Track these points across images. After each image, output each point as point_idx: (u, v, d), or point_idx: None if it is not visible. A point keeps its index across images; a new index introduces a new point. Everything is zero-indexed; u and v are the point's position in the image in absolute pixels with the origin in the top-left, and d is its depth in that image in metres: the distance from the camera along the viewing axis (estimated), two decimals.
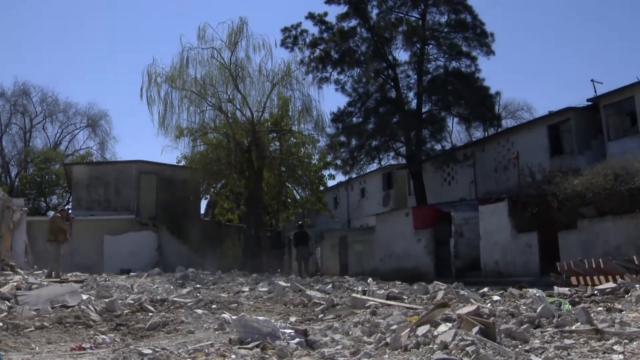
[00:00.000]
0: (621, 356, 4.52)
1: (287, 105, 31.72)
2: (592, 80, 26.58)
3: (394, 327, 6.51)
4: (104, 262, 29.44)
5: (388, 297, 10.67)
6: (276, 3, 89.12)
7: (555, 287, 10.41)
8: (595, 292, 8.96)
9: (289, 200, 36.13)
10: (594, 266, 11.89)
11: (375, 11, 31.08)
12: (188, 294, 12.86)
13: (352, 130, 30.70)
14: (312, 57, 30.73)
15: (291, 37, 31.06)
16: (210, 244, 32.00)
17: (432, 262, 23.33)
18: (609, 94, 22.80)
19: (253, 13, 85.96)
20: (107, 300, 10.44)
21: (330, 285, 14.14)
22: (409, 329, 5.85)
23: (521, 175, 23.35)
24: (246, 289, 14.32)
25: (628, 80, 35.82)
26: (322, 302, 10.29)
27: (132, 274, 21.94)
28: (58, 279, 15.64)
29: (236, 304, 10.94)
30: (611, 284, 9.39)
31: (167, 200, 33.54)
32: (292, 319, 8.91)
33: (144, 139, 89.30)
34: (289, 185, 35.72)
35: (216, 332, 7.69)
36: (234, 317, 7.23)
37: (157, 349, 5.91)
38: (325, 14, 30.84)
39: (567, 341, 5.13)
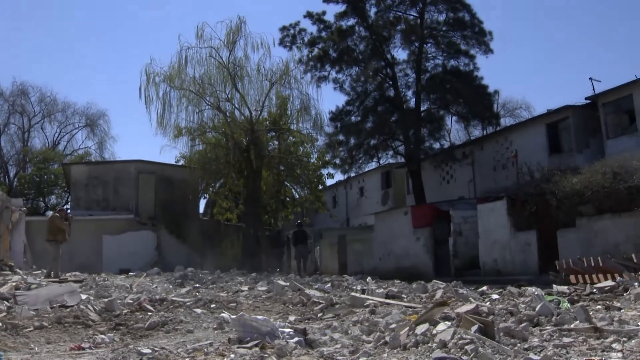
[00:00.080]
0: (620, 354, 4.53)
1: (286, 104, 31.71)
2: (590, 79, 26.68)
3: (393, 325, 6.51)
4: (102, 262, 29.43)
5: (387, 296, 10.68)
6: (274, 2, 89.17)
7: (554, 286, 10.41)
8: (594, 290, 8.97)
9: (288, 199, 36.13)
10: (592, 264, 11.90)
11: (373, 10, 31.10)
12: (187, 294, 12.87)
13: (350, 129, 30.70)
14: (310, 56, 30.74)
15: (289, 36, 31.06)
16: (209, 244, 32.01)
17: (431, 261, 23.32)
18: (607, 92, 22.81)
19: (251, 12, 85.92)
20: (106, 300, 10.45)
21: (329, 284, 14.15)
22: (408, 327, 5.85)
23: (520, 173, 23.36)
24: (245, 288, 14.33)
25: (626, 78, 35.82)
26: (321, 301, 10.30)
27: (131, 273, 21.95)
28: (57, 279, 15.63)
29: (235, 303, 10.94)
30: (610, 282, 9.41)
31: (166, 200, 33.53)
32: (291, 318, 8.92)
33: (142, 138, 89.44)
34: (288, 184, 35.71)
35: (215, 332, 7.69)
36: (233, 317, 7.23)
37: (156, 349, 5.91)
38: (324, 12, 30.86)
39: (565, 339, 5.13)
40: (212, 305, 10.53)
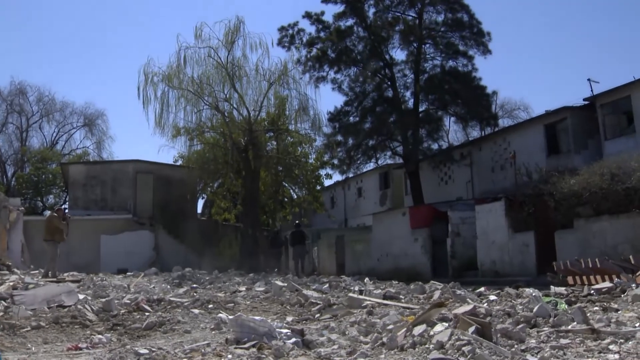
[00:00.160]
0: (617, 356, 4.53)
1: (284, 104, 31.66)
2: (588, 80, 26.58)
3: (391, 326, 6.51)
4: (100, 262, 29.41)
5: (385, 297, 10.67)
6: (273, 2, 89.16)
7: (551, 287, 10.41)
8: (592, 291, 8.98)
9: (286, 199, 36.11)
10: (590, 266, 11.91)
11: (372, 10, 31.16)
12: (185, 294, 12.86)
13: (349, 130, 30.73)
14: (309, 56, 30.77)
15: (288, 37, 31.07)
16: (207, 244, 31.98)
17: (428, 262, 23.33)
18: (605, 93, 22.84)
19: (250, 12, 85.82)
20: (103, 300, 10.43)
21: (327, 285, 14.14)
22: (405, 328, 5.85)
23: (518, 174, 23.39)
24: (243, 288, 14.31)
25: (624, 79, 35.87)
26: (318, 302, 10.29)
27: (128, 273, 21.92)
28: (54, 279, 15.60)
29: (233, 304, 10.94)
30: (607, 284, 9.41)
31: (164, 200, 33.51)
32: (289, 318, 8.91)
33: (140, 138, 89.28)
34: (286, 185, 35.70)
35: (213, 332, 7.69)
36: (230, 317, 7.22)
37: (153, 349, 5.91)
38: (322, 13, 30.90)
39: (563, 341, 5.14)
40: (210, 306, 10.52)
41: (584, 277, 11.77)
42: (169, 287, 15.17)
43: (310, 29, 31.08)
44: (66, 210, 23.36)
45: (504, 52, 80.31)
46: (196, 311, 9.82)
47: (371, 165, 34.50)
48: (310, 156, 34.27)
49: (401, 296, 10.97)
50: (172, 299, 11.28)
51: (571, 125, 24.03)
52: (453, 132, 44.09)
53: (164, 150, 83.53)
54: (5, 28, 78.54)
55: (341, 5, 30.53)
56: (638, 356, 4.48)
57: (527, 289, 9.64)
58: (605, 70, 79.69)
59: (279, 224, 37.78)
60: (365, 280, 15.90)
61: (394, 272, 22.85)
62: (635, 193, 15.33)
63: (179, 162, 35.64)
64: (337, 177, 35.62)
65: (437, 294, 10.23)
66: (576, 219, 16.87)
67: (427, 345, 5.14)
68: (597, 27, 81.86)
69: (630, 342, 4.90)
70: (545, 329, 5.79)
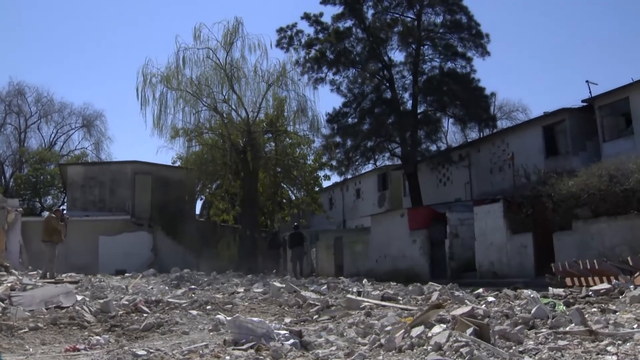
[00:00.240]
0: (614, 357, 4.53)
1: (283, 105, 31.67)
2: (587, 81, 26.66)
3: (389, 328, 6.51)
4: (98, 263, 29.39)
5: (383, 298, 10.67)
6: (272, 3, 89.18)
7: (550, 288, 10.42)
8: (590, 293, 8.97)
9: (285, 200, 36.10)
10: (588, 267, 11.91)
11: (370, 12, 31.19)
12: (183, 295, 12.85)
13: (347, 131, 30.74)
14: (307, 57, 30.76)
15: (286, 38, 31.07)
16: (205, 245, 32.00)
17: (427, 263, 23.33)
18: (603, 95, 22.86)
19: (249, 13, 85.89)
20: (101, 301, 10.42)
21: (325, 286, 14.13)
22: (403, 330, 5.84)
23: (516, 176, 23.39)
24: (241, 290, 14.31)
25: (623, 81, 35.95)
26: (316, 303, 10.29)
27: (127, 274, 21.90)
28: (53, 280, 15.59)
29: (231, 305, 10.93)
30: (605, 285, 9.40)
31: (162, 201, 33.49)
32: (287, 320, 8.91)
33: (139, 139, 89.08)
34: (285, 186, 35.70)
35: (211, 333, 7.68)
36: (228, 318, 7.22)
37: (151, 350, 5.90)
38: (321, 14, 30.90)
39: (561, 342, 5.13)
40: (208, 307, 10.51)
41: (582, 279, 11.77)
42: (167, 288, 15.16)
43: (309, 30, 31.15)
44: (64, 211, 23.36)
45: (503, 54, 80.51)
46: (194, 312, 9.81)
47: (369, 167, 34.56)
48: (308, 157, 34.34)
49: (399, 297, 10.98)
50: (170, 300, 11.28)
51: (569, 127, 24.05)
52: (451, 133, 44.21)
53: (162, 152, 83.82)
54: (4, 28, 78.60)
55: (340, 6, 30.58)
56: (636, 357, 4.48)
57: (525, 291, 9.64)
58: (603, 72, 79.91)
59: (277, 225, 37.78)
60: (363, 282, 15.91)
61: (392, 273, 22.85)
62: (634, 195, 15.35)
63: (178, 163, 35.61)
64: (336, 178, 35.75)
65: (435, 296, 10.23)
66: (574, 220, 16.88)
67: (425, 347, 5.14)
68: (595, 29, 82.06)
69: (628, 344, 4.90)
70: (543, 330, 5.79)
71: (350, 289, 13.24)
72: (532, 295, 8.12)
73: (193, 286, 15.35)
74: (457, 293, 10.21)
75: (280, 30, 31.10)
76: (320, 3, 30.67)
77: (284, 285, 13.68)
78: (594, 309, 7.24)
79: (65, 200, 42.54)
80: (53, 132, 54.31)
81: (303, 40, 31.00)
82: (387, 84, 30.75)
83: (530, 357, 4.74)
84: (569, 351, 4.84)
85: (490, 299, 9.31)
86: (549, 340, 5.30)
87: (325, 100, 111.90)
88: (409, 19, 30.70)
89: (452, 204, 24.83)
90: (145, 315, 9.48)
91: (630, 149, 19.87)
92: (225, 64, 29.30)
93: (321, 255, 31.22)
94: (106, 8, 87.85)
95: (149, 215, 33.54)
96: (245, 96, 29.96)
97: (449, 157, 30.15)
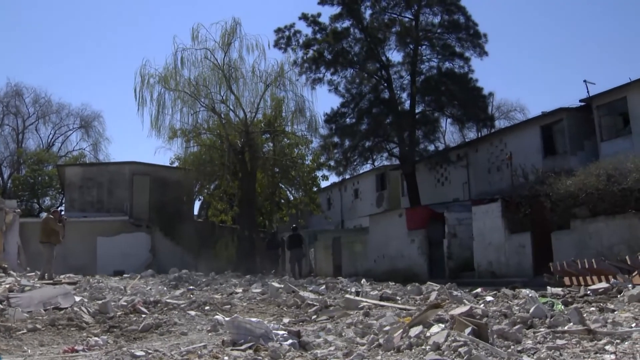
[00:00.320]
0: (613, 356, 4.53)
1: (281, 106, 31.70)
2: (584, 81, 26.70)
3: (387, 328, 6.51)
4: (97, 264, 29.35)
5: (381, 298, 10.66)
6: (269, 4, 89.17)
7: (548, 288, 10.41)
8: (588, 292, 8.97)
9: (283, 201, 36.11)
10: (586, 266, 11.91)
11: (368, 12, 31.21)
12: (181, 296, 12.84)
13: (345, 131, 30.75)
14: (305, 57, 30.78)
15: (284, 38, 31.09)
16: (203, 245, 31.97)
17: (425, 263, 23.34)
18: (601, 94, 22.88)
19: (246, 14, 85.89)
20: (100, 302, 10.41)
21: (323, 287, 14.13)
22: (401, 330, 5.84)
23: (514, 175, 23.41)
24: (239, 290, 14.31)
25: (621, 80, 35.98)
26: (315, 303, 10.29)
27: (125, 275, 21.90)
28: (51, 281, 15.58)
29: (229, 306, 10.92)
30: (604, 284, 9.40)
31: (160, 202, 33.49)
32: (286, 320, 8.90)
33: (137, 140, 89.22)
34: (283, 186, 35.71)
35: (209, 334, 7.67)
36: (227, 319, 7.22)
37: (149, 351, 5.89)
38: (319, 14, 30.92)
39: (559, 341, 5.13)
40: (206, 308, 10.50)
41: (581, 278, 11.77)
42: (165, 289, 15.15)
43: (306, 30, 31.17)
44: (62, 212, 23.32)
45: (501, 54, 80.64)
46: (193, 313, 9.81)
47: (368, 167, 34.58)
48: (306, 158, 34.36)
49: (398, 297, 10.97)
50: (168, 300, 11.27)
51: (567, 127, 24.08)
52: (449, 133, 44.18)
53: (160, 152, 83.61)
54: (2, 29, 78.49)
55: (337, 6, 30.60)
56: (634, 356, 4.48)
57: (523, 290, 9.62)
58: (601, 71, 79.95)
59: (275, 226, 37.80)
60: (361, 282, 15.91)
61: (390, 273, 22.87)
62: (631, 194, 15.36)
63: (176, 164, 35.63)
64: (334, 178, 35.72)
65: (433, 295, 10.23)
66: (572, 219, 16.89)
67: (423, 347, 5.14)
68: (593, 29, 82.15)
69: (626, 343, 4.90)
70: (541, 329, 5.79)
71: (349, 289, 13.24)
72: (530, 295, 8.11)
73: (191, 287, 15.34)
74: (455, 293, 10.20)
75: (278, 31, 31.14)
76: (318, 3, 30.72)
77: (282, 286, 13.67)
78: (593, 308, 7.23)
79: (63, 201, 42.53)
80: (51, 133, 54.38)
81: (301, 41, 31.04)
82: (385, 84, 30.76)
83: (529, 356, 4.74)
84: (568, 350, 4.84)
85: (489, 298, 9.30)
86: (548, 339, 5.30)
87: (323, 100, 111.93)
88: (406, 19, 30.74)
89: (451, 204, 24.85)
90: (143, 316, 9.47)
91: (628, 148, 19.88)
92: (223, 65, 29.32)
93: (319, 255, 31.22)
94: (104, 9, 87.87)
95: (147, 216, 33.52)
96: (243, 96, 30.02)
97: (447, 157, 30.16)
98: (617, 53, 78.23)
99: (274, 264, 28.16)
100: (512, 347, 5.06)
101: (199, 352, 5.85)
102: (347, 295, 11.04)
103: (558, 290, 9.89)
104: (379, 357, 5.28)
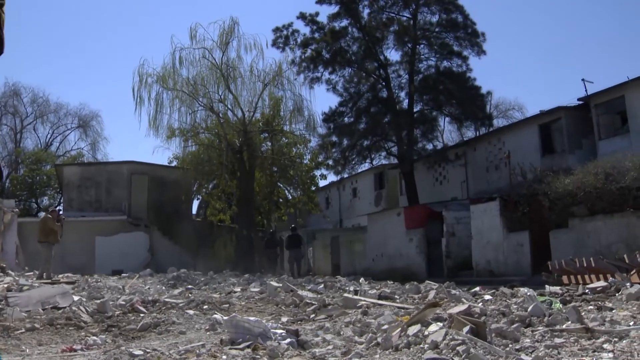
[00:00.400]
0: (611, 354, 4.54)
1: (279, 105, 31.71)
2: (583, 80, 26.73)
3: (385, 326, 6.51)
4: (95, 263, 29.34)
5: (380, 297, 10.66)
6: (267, 3, 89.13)
7: (546, 286, 10.41)
8: (586, 290, 8.98)
9: (281, 200, 36.12)
10: (585, 265, 11.92)
11: (366, 11, 31.23)
12: (180, 295, 12.82)
13: (343, 130, 30.76)
14: (303, 57, 30.80)
15: (282, 37, 31.09)
16: (202, 245, 31.96)
17: (423, 262, 23.36)
18: (599, 93, 22.91)
19: (244, 13, 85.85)
20: (98, 301, 10.39)
21: (322, 285, 14.11)
22: (400, 328, 5.84)
23: (512, 174, 23.43)
24: (238, 289, 14.28)
25: (619, 79, 36.00)
26: (313, 302, 10.27)
27: (123, 275, 21.86)
28: (49, 280, 15.57)
29: (228, 305, 10.91)
30: (602, 283, 9.41)
31: (158, 201, 33.49)
32: (284, 319, 8.89)
33: (135, 139, 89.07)
34: (281, 186, 35.71)
35: (207, 333, 7.66)
36: (225, 318, 7.20)
37: (148, 350, 5.88)
38: (317, 14, 30.93)
39: (557, 340, 5.14)
40: (205, 307, 10.49)
41: (579, 277, 11.79)
42: (164, 288, 15.13)
43: (304, 29, 31.17)
44: (60, 212, 23.29)
45: (499, 53, 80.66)
46: (191, 312, 9.79)
47: (366, 166, 34.58)
48: (305, 157, 34.41)
49: (396, 296, 10.96)
50: (167, 300, 11.25)
51: (565, 125, 24.10)
52: (448, 132, 44.26)
53: (158, 152, 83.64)
54: None
55: (335, 6, 30.60)
56: (632, 355, 4.48)
57: (521, 289, 9.63)
58: (599, 70, 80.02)
59: (274, 225, 37.80)
60: (360, 281, 15.89)
61: (389, 272, 22.88)
62: (629, 192, 15.37)
63: (174, 163, 35.63)
64: (332, 177, 35.74)
65: (432, 294, 10.23)
66: (571, 218, 16.91)
67: (421, 345, 5.14)
68: (591, 27, 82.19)
69: (624, 341, 4.90)
70: (539, 328, 5.79)
71: (347, 288, 13.22)
72: (528, 294, 8.11)
73: (190, 286, 15.32)
74: (453, 291, 10.21)
75: (276, 30, 31.15)
76: (316, 3, 30.73)
77: (280, 285, 13.66)
78: (591, 307, 7.24)
79: (61, 200, 42.52)
80: (49, 132, 54.40)
81: (299, 40, 31.06)
82: (383, 83, 30.77)
83: (527, 355, 4.74)
84: (566, 349, 4.84)
85: (487, 297, 9.30)
86: (546, 338, 5.31)
87: (322, 99, 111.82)
88: (404, 18, 30.73)
89: (449, 203, 24.86)
90: (142, 315, 9.45)
91: (626, 147, 19.89)
92: (221, 64, 29.33)
93: (318, 254, 31.23)
94: (102, 8, 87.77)
95: (145, 215, 33.52)
96: (241, 96, 30.03)
97: (445, 155, 30.18)
98: (615, 52, 78.38)
99: (272, 263, 28.15)
100: (510, 345, 5.06)
101: (197, 351, 5.85)
102: (346, 294, 11.03)
103: (556, 288, 9.89)
104: (377, 356, 5.28)
